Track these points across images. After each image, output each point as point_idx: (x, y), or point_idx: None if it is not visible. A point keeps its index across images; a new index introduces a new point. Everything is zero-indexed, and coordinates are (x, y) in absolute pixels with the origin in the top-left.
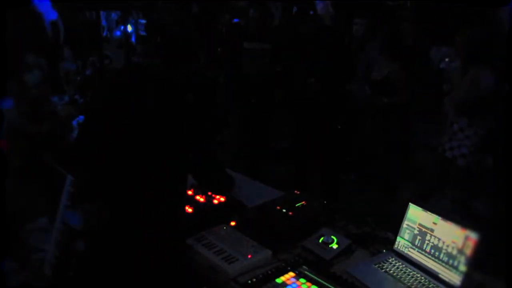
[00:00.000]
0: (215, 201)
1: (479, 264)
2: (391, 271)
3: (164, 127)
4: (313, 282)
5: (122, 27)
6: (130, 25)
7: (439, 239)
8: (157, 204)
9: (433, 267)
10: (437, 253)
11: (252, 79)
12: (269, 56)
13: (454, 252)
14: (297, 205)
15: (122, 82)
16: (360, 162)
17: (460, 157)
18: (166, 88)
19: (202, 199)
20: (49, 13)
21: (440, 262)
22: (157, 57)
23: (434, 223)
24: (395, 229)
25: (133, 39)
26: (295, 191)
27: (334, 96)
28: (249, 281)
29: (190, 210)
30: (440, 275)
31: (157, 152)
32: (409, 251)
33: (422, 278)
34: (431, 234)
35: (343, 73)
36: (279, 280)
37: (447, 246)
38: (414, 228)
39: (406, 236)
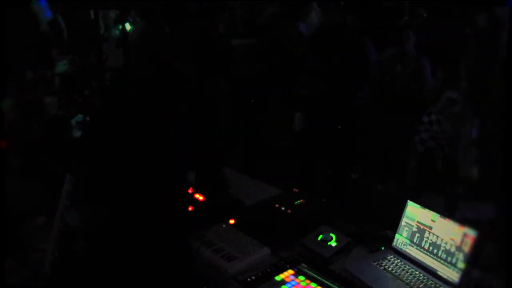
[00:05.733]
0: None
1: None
2: (390, 268)
3: (159, 126)
4: (312, 279)
5: (120, 26)
6: (129, 24)
7: (437, 237)
8: (155, 203)
9: (431, 264)
10: (435, 250)
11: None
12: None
13: (452, 249)
14: (295, 203)
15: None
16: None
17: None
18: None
19: (201, 198)
20: (46, 13)
21: (438, 259)
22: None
23: (433, 221)
24: (394, 226)
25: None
26: (294, 189)
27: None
28: (249, 279)
29: (189, 208)
30: (439, 272)
31: (152, 150)
32: (407, 248)
33: (421, 275)
34: (430, 232)
35: (357, 76)
36: (278, 277)
37: (445, 243)
38: (413, 226)
39: (405, 234)
